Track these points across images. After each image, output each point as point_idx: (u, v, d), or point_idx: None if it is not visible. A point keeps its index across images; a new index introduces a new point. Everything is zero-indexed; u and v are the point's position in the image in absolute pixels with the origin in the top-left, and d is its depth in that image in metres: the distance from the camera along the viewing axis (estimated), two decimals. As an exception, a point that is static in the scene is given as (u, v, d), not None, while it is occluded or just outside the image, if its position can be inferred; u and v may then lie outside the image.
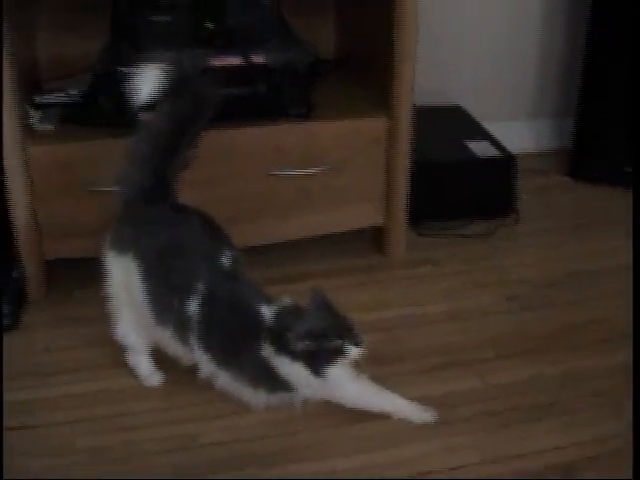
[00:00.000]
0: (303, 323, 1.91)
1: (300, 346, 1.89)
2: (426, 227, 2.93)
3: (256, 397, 2.05)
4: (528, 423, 2.09)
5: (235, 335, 1.99)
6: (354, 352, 1.93)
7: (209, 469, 1.94)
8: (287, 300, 2.00)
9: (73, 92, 2.59)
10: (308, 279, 2.60)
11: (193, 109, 2.07)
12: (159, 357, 2.19)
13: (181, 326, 2.01)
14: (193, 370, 2.08)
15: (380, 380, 2.10)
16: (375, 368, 2.09)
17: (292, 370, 1.94)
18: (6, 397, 2.15)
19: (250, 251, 2.34)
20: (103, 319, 2.18)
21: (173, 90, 2.03)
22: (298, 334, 1.89)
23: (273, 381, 1.98)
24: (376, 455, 1.99)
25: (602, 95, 3.20)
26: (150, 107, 2.05)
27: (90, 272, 2.17)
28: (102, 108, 2.47)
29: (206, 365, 2.03)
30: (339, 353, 1.92)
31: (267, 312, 1.97)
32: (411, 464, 1.97)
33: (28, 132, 2.41)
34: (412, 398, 2.10)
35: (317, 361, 1.92)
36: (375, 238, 2.81)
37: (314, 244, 2.75)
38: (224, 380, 2.04)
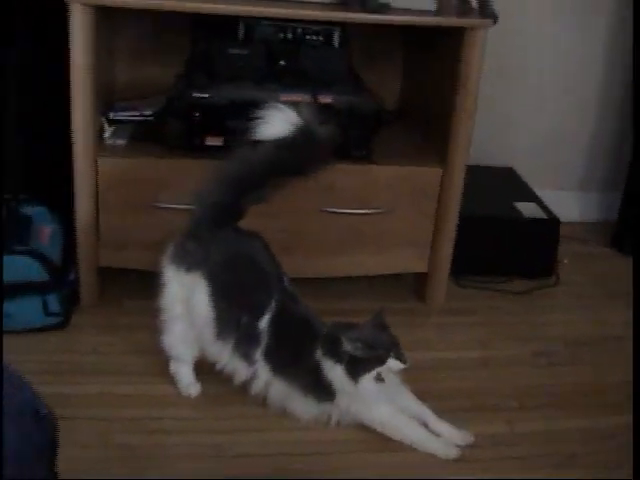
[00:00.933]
0: (357, 331, 2.10)
1: (349, 347, 2.04)
2: (467, 279, 2.99)
3: (304, 405, 2.16)
4: (550, 469, 2.15)
5: (296, 345, 2.15)
6: (395, 365, 2.08)
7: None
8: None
9: (146, 112, 2.69)
10: (345, 315, 2.64)
11: (298, 162, 2.17)
12: (200, 369, 2.28)
13: (246, 340, 2.13)
14: (232, 385, 2.18)
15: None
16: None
17: (334, 373, 2.08)
18: (47, 389, 2.20)
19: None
20: (151, 329, 2.28)
21: (292, 138, 2.12)
22: (350, 337, 2.05)
23: (321, 389, 2.11)
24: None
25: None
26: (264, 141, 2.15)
27: (142, 283, 2.26)
28: (172, 129, 2.56)
29: (264, 375, 2.15)
30: (380, 363, 2.07)
31: (324, 326, 2.16)
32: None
33: (100, 145, 2.52)
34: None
35: (358, 367, 2.06)
36: (416, 283, 2.87)
37: (355, 283, 2.83)
38: (277, 390, 2.16)
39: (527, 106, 3.43)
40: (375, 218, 2.62)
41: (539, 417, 2.35)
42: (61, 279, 2.49)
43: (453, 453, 2.13)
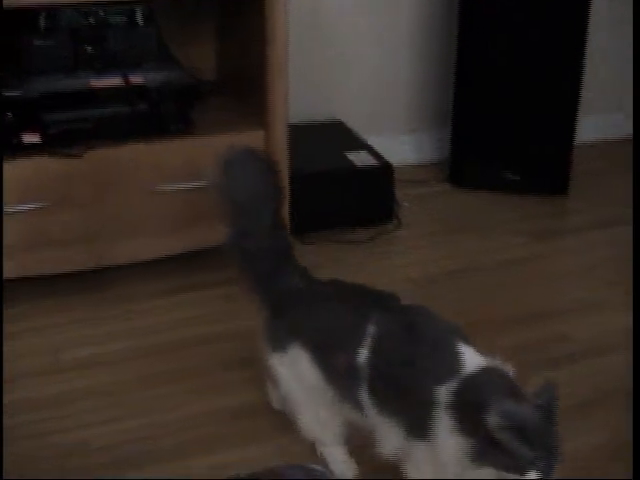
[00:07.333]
0: (519, 404, 1.63)
1: (495, 423, 1.57)
2: (311, 236, 3.08)
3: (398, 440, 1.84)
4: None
5: (403, 374, 1.79)
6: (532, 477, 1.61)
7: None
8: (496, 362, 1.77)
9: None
10: (192, 290, 2.78)
11: None
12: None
13: (350, 385, 1.87)
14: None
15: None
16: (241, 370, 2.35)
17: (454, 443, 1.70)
18: None
19: (132, 266, 2.62)
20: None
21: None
22: (503, 409, 1.59)
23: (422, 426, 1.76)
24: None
25: (475, 105, 3.44)
26: None
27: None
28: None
29: (373, 419, 1.87)
30: (517, 470, 1.60)
31: (469, 358, 1.76)
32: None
33: None
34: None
35: (487, 451, 1.62)
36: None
37: (201, 257, 2.87)
38: (386, 434, 1.87)
39: (346, 57, 3.53)
40: (205, 190, 2.66)
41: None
42: None
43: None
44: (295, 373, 1.98)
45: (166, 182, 2.65)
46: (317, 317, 1.95)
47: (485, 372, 1.72)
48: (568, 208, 3.43)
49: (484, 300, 2.78)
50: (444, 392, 1.70)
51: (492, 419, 1.56)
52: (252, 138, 2.70)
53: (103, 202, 2.60)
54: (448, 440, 1.68)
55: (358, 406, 1.87)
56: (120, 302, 2.70)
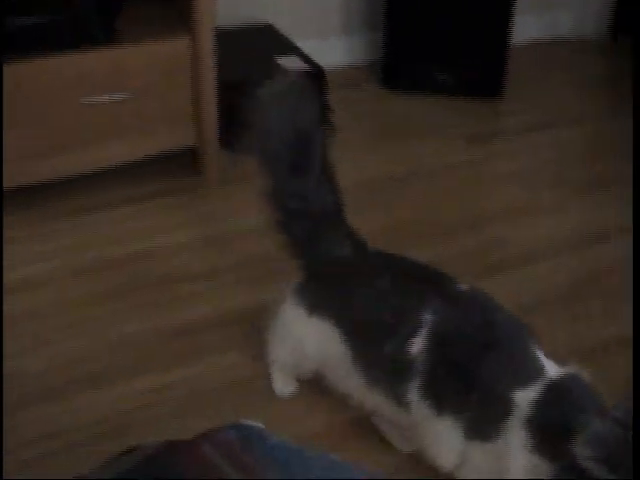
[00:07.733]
0: (602, 429, 1.41)
1: (583, 454, 1.39)
2: (242, 147, 2.97)
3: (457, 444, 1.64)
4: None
5: (467, 369, 1.60)
6: None
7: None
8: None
9: None
10: (128, 204, 2.70)
11: None
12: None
13: (394, 375, 1.69)
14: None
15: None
16: (189, 284, 2.32)
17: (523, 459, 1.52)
18: None
19: (61, 183, 2.55)
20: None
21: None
22: (589, 441, 1.39)
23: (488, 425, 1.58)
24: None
25: (408, 5, 3.35)
26: None
27: None
28: None
29: (423, 416, 1.67)
30: None
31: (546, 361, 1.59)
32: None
33: None
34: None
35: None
36: (192, 158, 2.86)
37: (128, 170, 2.77)
38: (437, 431, 1.66)
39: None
40: (132, 100, 2.59)
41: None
42: None
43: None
44: (309, 337, 1.84)
45: (88, 94, 2.54)
46: (358, 298, 1.76)
47: (567, 381, 1.54)
48: (504, 110, 3.39)
49: (423, 206, 2.75)
50: (524, 398, 1.52)
51: (581, 448, 1.38)
52: (177, 46, 2.61)
53: (30, 117, 2.49)
54: (520, 456, 1.51)
55: (399, 401, 1.69)
56: (60, 217, 2.61)
